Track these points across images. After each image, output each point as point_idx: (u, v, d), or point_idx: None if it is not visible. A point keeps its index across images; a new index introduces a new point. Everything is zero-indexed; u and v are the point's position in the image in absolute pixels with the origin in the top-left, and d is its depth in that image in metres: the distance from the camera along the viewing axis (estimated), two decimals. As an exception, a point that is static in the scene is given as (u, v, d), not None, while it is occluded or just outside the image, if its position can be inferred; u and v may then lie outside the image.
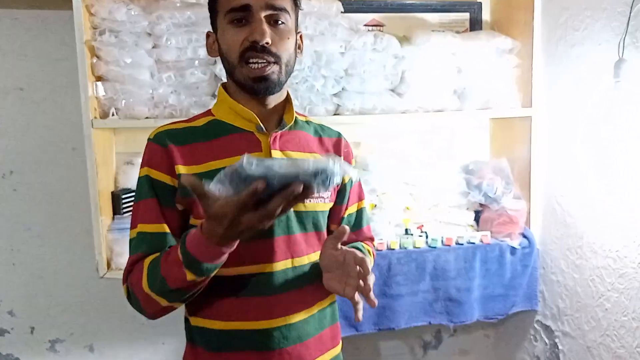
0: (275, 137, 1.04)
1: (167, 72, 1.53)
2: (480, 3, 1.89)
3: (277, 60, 0.98)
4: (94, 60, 1.48)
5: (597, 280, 1.54)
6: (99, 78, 1.52)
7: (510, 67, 1.75)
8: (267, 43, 0.96)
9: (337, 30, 1.61)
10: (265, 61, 0.97)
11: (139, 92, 1.52)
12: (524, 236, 1.76)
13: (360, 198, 1.23)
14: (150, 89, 1.53)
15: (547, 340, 1.77)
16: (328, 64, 1.60)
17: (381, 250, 1.65)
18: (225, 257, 0.90)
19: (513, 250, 1.73)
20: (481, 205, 1.81)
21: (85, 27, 1.44)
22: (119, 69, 1.49)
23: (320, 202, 1.09)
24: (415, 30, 1.76)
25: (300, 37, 1.08)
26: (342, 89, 1.65)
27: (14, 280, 1.77)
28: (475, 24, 1.89)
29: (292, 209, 1.02)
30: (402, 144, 1.82)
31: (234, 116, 1.04)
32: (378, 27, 1.82)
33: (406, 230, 1.74)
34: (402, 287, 1.65)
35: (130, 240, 1.02)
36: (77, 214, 1.72)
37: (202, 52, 1.53)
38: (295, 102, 1.58)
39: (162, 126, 1.05)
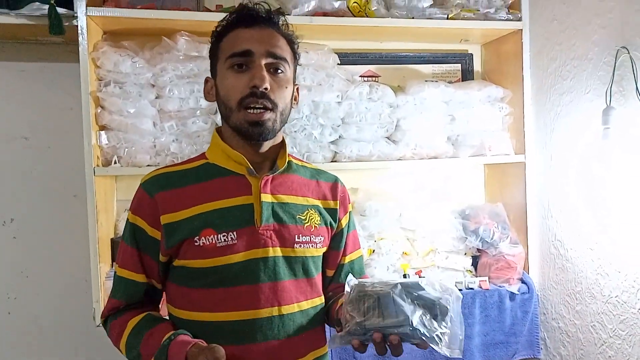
0: (267, 180, 1.04)
1: (170, 121, 1.58)
2: (472, 54, 1.97)
3: (274, 108, 1.00)
4: (98, 110, 1.53)
5: (598, 327, 1.52)
6: (102, 127, 1.56)
7: (502, 114, 1.81)
8: (265, 88, 0.98)
9: (333, 81, 1.67)
10: (263, 107, 0.99)
11: (142, 141, 1.56)
12: (523, 282, 1.76)
13: (358, 247, 1.23)
14: (153, 137, 1.57)
15: (551, 389, 1.73)
16: (325, 113, 1.65)
17: (380, 296, 1.64)
18: None
19: (512, 295, 1.73)
20: (478, 250, 1.82)
21: (91, 78, 1.50)
22: (123, 119, 1.54)
23: (312, 247, 1.07)
24: (409, 80, 1.82)
25: (297, 89, 1.10)
26: (339, 136, 1.69)
27: (10, 329, 1.75)
28: (467, 74, 1.96)
29: (281, 254, 1.02)
30: (399, 190, 1.85)
31: (225, 159, 1.05)
32: (373, 78, 1.88)
33: (404, 275, 1.73)
34: (401, 334, 1.64)
35: (114, 277, 1.08)
36: (76, 261, 1.72)
37: (204, 101, 1.58)
38: (293, 150, 1.63)
39: (156, 169, 1.07)
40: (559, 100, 1.66)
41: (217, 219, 0.99)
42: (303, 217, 1.07)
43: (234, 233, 0.99)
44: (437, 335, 0.85)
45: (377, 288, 0.89)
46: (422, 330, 0.84)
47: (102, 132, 1.54)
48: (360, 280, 0.95)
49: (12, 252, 1.74)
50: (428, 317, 0.86)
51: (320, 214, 1.10)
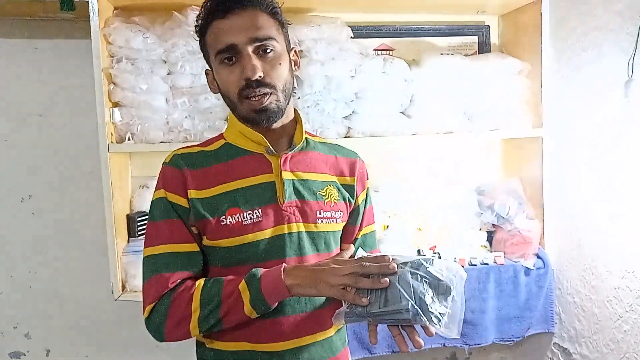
0: (286, 158, 1.06)
1: (182, 97, 1.57)
2: (489, 26, 1.92)
3: (273, 90, 1.00)
4: (111, 87, 1.53)
5: (614, 302, 1.51)
6: (115, 104, 1.56)
7: (519, 88, 1.77)
8: (259, 77, 0.98)
9: (347, 55, 1.64)
10: (262, 93, 0.99)
11: (154, 118, 1.56)
12: (539, 257, 1.75)
13: (372, 221, 1.24)
14: (165, 114, 1.57)
15: (565, 364, 1.74)
16: (338, 88, 1.63)
17: (394, 271, 1.65)
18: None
19: (527, 271, 1.72)
20: (494, 225, 1.81)
21: (103, 55, 1.49)
22: (135, 95, 1.54)
23: (333, 223, 1.10)
24: (424, 53, 1.79)
25: (295, 52, 1.09)
26: (353, 111, 1.67)
27: (31, 303, 1.79)
28: (484, 47, 1.91)
29: (304, 230, 1.05)
30: (413, 165, 1.83)
31: (244, 140, 1.06)
32: (388, 52, 1.85)
33: (418, 251, 1.73)
34: (415, 309, 1.64)
35: (152, 257, 1.01)
36: (93, 237, 1.75)
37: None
38: (306, 125, 1.61)
39: (177, 150, 1.07)
40: (578, 73, 1.61)
41: (242, 197, 1.02)
42: (323, 194, 1.09)
43: (259, 210, 1.01)
44: (436, 315, 0.86)
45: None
46: (422, 313, 0.85)
47: (116, 109, 1.54)
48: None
49: (31, 228, 1.78)
50: (431, 296, 0.87)
51: (338, 190, 1.12)
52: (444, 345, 1.69)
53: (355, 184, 1.15)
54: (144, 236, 1.06)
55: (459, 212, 1.78)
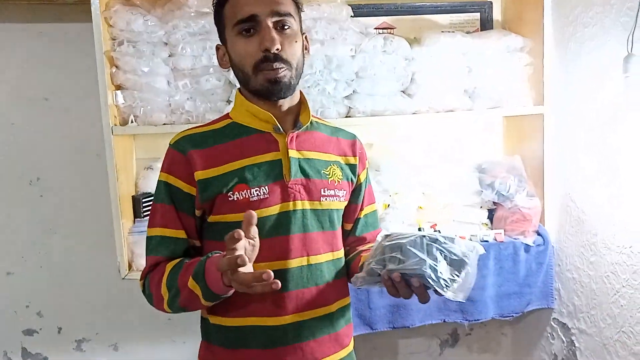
0: (292, 137, 1.08)
1: (183, 79, 1.59)
2: (491, 2, 1.90)
3: (288, 67, 1.03)
4: (113, 69, 1.55)
5: (611, 277, 1.53)
6: (118, 87, 1.58)
7: (521, 65, 1.76)
8: (277, 49, 1.00)
9: (347, 34, 1.64)
10: (278, 67, 1.01)
11: (157, 100, 1.58)
12: (539, 234, 1.76)
13: (373, 201, 1.27)
14: (167, 96, 1.59)
15: (564, 338, 1.76)
16: (339, 68, 1.64)
17: (394, 249, 1.67)
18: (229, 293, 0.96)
19: (527, 248, 1.73)
20: (494, 203, 1.82)
21: (105, 38, 1.51)
22: (137, 78, 1.55)
23: (336, 201, 1.12)
24: (425, 31, 1.78)
25: (306, 37, 1.11)
26: (353, 91, 1.68)
27: (42, 283, 1.85)
28: (487, 24, 1.90)
29: (309, 207, 1.07)
30: (414, 144, 1.84)
31: (251, 118, 1.08)
32: (389, 30, 1.84)
33: (419, 229, 1.75)
34: (415, 286, 1.67)
35: (149, 239, 1.07)
36: (100, 218, 1.78)
37: (217, 59, 1.57)
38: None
39: (183, 131, 1.10)
40: (579, 49, 1.60)
41: (249, 174, 1.04)
42: (327, 172, 1.12)
43: (266, 187, 1.04)
44: (444, 279, 0.90)
45: (401, 238, 0.95)
46: (433, 275, 0.90)
47: (118, 92, 1.56)
48: (387, 233, 1.01)
49: (40, 210, 1.82)
50: (445, 265, 0.92)
51: (342, 169, 1.15)
52: (444, 321, 1.72)
53: (357, 163, 1.19)
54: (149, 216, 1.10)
55: (460, 190, 1.79)
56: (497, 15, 1.92)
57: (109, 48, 1.53)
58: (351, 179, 1.17)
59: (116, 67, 1.55)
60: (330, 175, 1.12)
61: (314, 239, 1.08)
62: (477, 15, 1.90)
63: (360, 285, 1.00)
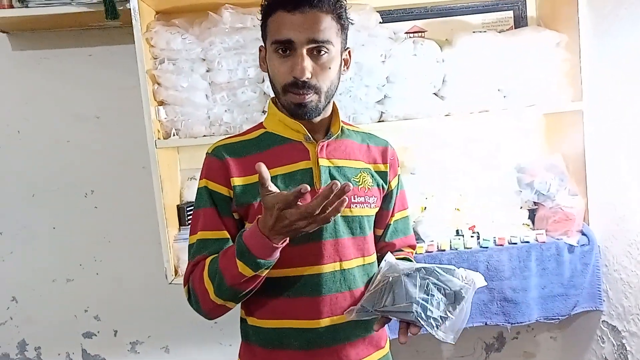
0: (322, 146, 1.12)
1: (221, 92, 1.66)
2: (525, -1, 1.87)
3: (318, 92, 1.06)
4: (155, 87, 1.64)
5: (661, 277, 1.47)
6: (160, 103, 1.67)
7: (558, 61, 1.72)
8: (307, 78, 1.03)
9: (376, 41, 1.67)
10: (305, 93, 1.05)
11: (197, 113, 1.66)
12: (583, 234, 1.71)
13: (405, 207, 1.28)
14: (206, 109, 1.67)
15: (614, 341, 1.70)
16: (369, 74, 1.66)
17: (431, 251, 1.67)
18: (276, 254, 0.98)
19: (571, 248, 1.68)
20: (535, 203, 1.78)
21: (147, 57, 1.61)
22: (178, 93, 1.64)
23: (366, 208, 1.15)
24: (456, 33, 1.77)
25: (349, 52, 1.15)
26: (385, 96, 1.70)
27: (98, 288, 1.97)
28: (520, 21, 1.87)
29: (340, 214, 1.09)
30: (449, 145, 1.83)
31: (283, 128, 1.13)
32: (420, 34, 1.85)
33: (457, 231, 1.74)
34: (454, 288, 1.66)
35: (191, 245, 1.12)
36: (148, 226, 1.87)
37: (251, 71, 1.64)
38: (340, 112, 1.66)
39: (219, 141, 1.16)
40: (616, 43, 1.55)
41: (282, 183, 1.07)
42: (357, 180, 1.15)
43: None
44: (434, 318, 0.93)
45: (397, 271, 1.00)
46: (422, 315, 0.93)
47: (161, 107, 1.65)
48: (390, 262, 1.05)
49: (95, 220, 1.95)
50: (437, 301, 0.94)
51: (372, 176, 1.18)
52: (486, 323, 1.70)
53: (387, 170, 1.21)
54: (191, 223, 1.15)
55: (498, 190, 1.77)
56: (531, 11, 1.88)
57: (151, 67, 1.63)
58: (382, 185, 1.20)
59: (158, 84, 1.65)
60: (361, 183, 1.15)
61: (345, 244, 1.11)
62: (510, 13, 1.88)
63: (355, 318, 1.04)
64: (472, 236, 1.72)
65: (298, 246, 1.05)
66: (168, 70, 1.63)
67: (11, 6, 1.61)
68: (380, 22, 1.70)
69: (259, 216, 0.97)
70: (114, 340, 2.00)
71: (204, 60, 1.67)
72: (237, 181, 1.09)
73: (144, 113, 1.60)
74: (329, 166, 1.12)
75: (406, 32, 1.84)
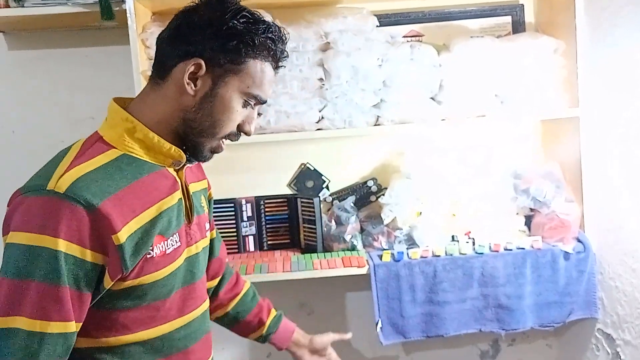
0: (188, 170, 0.98)
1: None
2: (523, 5, 1.87)
3: None
4: (150, 88, 1.63)
5: (657, 286, 1.46)
6: (155, 104, 1.66)
7: (554, 67, 1.71)
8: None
9: (372, 45, 1.66)
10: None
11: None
12: (579, 241, 1.70)
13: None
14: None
15: (609, 350, 1.68)
16: (365, 78, 1.65)
17: (426, 257, 1.66)
18: None
19: (567, 255, 1.68)
20: (532, 210, 1.77)
21: (142, 58, 1.60)
22: (172, 95, 1.63)
23: (208, 234, 1.07)
24: (454, 37, 1.77)
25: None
26: (381, 100, 1.69)
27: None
28: (518, 27, 1.86)
29: (202, 246, 0.99)
30: (446, 150, 1.82)
31: (146, 151, 0.89)
32: (417, 38, 1.85)
33: (452, 236, 1.74)
34: (448, 294, 1.65)
35: (26, 337, 0.76)
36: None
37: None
38: (335, 116, 1.66)
39: (71, 171, 0.81)
40: (612, 50, 1.55)
41: (163, 222, 0.88)
42: (203, 204, 1.04)
43: (177, 235, 0.90)
44: None
45: None
46: None
47: (155, 109, 1.64)
48: None
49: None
50: None
51: (203, 195, 1.07)
52: (480, 330, 1.69)
53: (207, 185, 1.11)
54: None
55: (494, 197, 1.76)
56: (529, 17, 1.88)
57: (146, 68, 1.62)
58: (208, 203, 1.10)
59: (153, 85, 1.64)
60: (204, 206, 1.04)
61: (203, 282, 1.02)
62: (509, 18, 1.87)
63: None
64: (467, 242, 1.71)
65: (178, 292, 0.94)
66: (163, 72, 1.62)
67: (7, 6, 1.60)
68: (377, 26, 1.69)
69: None
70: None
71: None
72: (123, 236, 0.80)
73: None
74: (193, 192, 0.98)
75: (403, 36, 1.83)
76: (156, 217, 0.86)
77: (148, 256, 0.85)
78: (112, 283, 0.83)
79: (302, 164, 1.85)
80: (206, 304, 1.02)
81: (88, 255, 0.79)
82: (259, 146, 1.77)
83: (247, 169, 1.85)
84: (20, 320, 0.76)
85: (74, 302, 0.79)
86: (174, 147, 0.89)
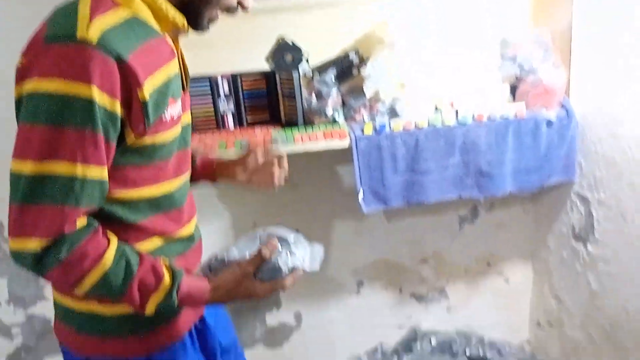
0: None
1: None
2: None
3: None
4: None
5: (634, 148, 1.48)
6: None
7: None
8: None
9: None
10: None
11: None
12: (563, 107, 1.69)
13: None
14: None
15: (582, 210, 1.76)
16: None
17: (409, 129, 1.65)
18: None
19: (549, 122, 1.67)
20: (517, 79, 1.73)
21: None
22: None
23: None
24: None
25: None
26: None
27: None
28: None
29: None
30: (432, 20, 1.73)
31: (151, 17, 0.89)
32: None
33: (435, 107, 1.71)
34: (430, 163, 1.66)
35: (51, 179, 0.78)
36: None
37: None
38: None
39: (98, 18, 0.79)
40: None
41: (173, 85, 0.91)
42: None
43: (180, 101, 0.94)
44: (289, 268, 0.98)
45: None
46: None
47: None
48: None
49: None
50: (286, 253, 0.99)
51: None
52: (460, 196, 1.73)
53: None
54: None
55: (481, 65, 1.71)
56: None
57: None
58: None
59: None
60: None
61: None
62: None
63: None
64: (450, 112, 1.69)
65: (178, 153, 1.00)
66: None
67: None
68: None
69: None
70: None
71: None
72: (148, 89, 0.83)
73: None
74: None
75: None
76: (168, 80, 0.89)
77: (162, 117, 0.88)
78: (134, 139, 0.86)
79: (279, 37, 1.75)
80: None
81: (117, 107, 0.81)
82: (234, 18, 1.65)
83: (223, 44, 1.74)
84: (60, 165, 0.78)
85: (106, 151, 0.82)
86: (178, 13, 0.90)
